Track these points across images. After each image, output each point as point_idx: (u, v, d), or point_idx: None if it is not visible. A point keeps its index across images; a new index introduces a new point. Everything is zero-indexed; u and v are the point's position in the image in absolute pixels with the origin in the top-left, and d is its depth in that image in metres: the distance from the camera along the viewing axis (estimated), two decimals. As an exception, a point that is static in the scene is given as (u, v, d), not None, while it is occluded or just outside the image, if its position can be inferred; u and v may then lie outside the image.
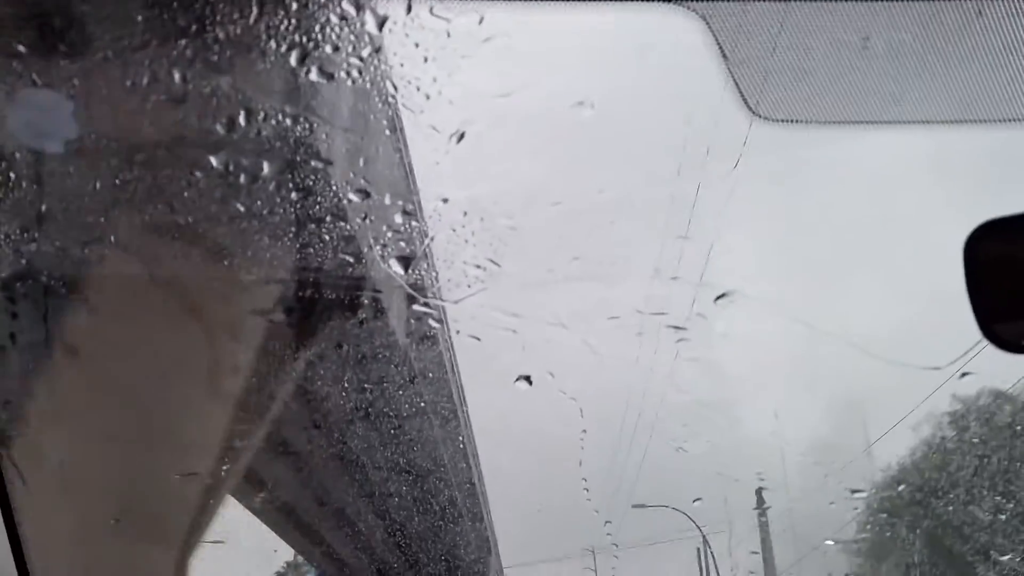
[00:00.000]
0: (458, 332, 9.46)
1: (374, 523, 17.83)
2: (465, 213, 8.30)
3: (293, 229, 9.03)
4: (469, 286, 8.19)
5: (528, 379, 7.74)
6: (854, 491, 15.75)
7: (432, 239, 8.58)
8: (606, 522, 32.52)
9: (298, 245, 9.09)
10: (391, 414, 11.99)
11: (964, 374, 12.63)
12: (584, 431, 8.97)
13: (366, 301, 8.58)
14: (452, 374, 13.78)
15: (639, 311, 7.53)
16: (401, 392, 11.33)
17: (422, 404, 12.10)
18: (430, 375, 11.72)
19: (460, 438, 16.86)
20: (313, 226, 8.83)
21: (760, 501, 23.05)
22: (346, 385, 10.43)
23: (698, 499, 19.90)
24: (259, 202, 8.68)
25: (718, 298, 7.53)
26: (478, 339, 8.57)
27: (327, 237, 8.45)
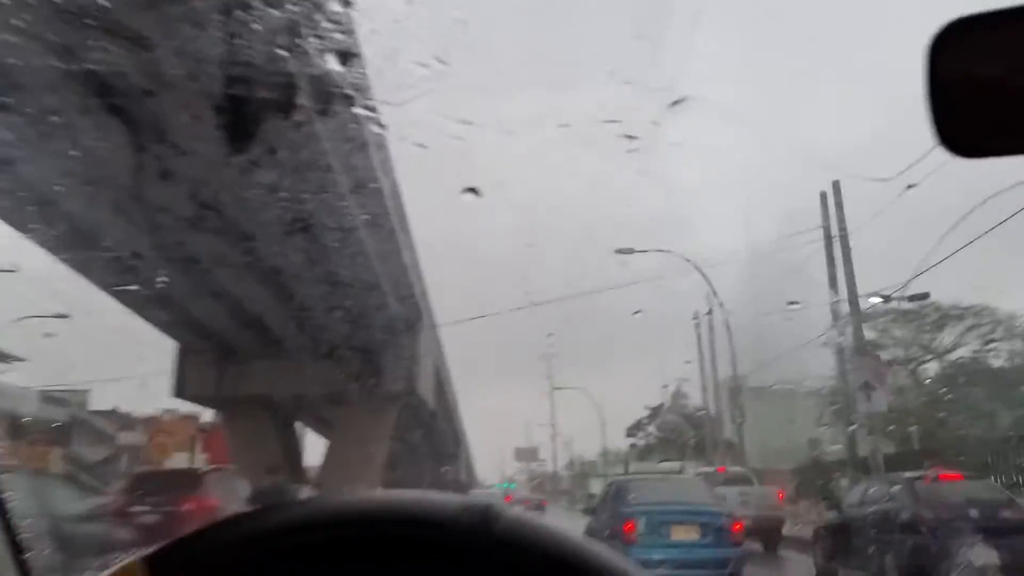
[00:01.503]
0: (402, 138, 9.90)
1: (310, 337, 20.68)
2: (410, 2, 8.46)
3: (218, 16, 9.15)
4: (413, 87, 8.50)
5: (475, 190, 8.31)
6: (790, 303, 18.66)
7: (372, 32, 8.82)
8: (549, 334, 36.56)
9: (224, 34, 9.25)
10: (331, 225, 12.58)
11: (910, 186, 13.79)
12: (531, 244, 9.48)
13: (301, 101, 8.69)
14: (394, 183, 14.45)
15: (591, 118, 7.99)
16: (342, 202, 11.75)
17: (364, 216, 12.84)
18: (371, 184, 12.16)
19: (403, 251, 18.27)
20: (240, 11, 8.96)
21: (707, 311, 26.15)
22: (283, 194, 11.06)
23: (638, 311, 23.57)
24: None
25: (673, 104, 8.05)
26: (423, 146, 8.98)
27: (255, 27, 8.30)
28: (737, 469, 19.73)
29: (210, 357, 23.50)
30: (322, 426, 30.78)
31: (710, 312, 23.99)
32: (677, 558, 11.53)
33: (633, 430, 44.65)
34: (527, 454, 56.79)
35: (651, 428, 44.81)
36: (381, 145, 11.01)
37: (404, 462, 38.61)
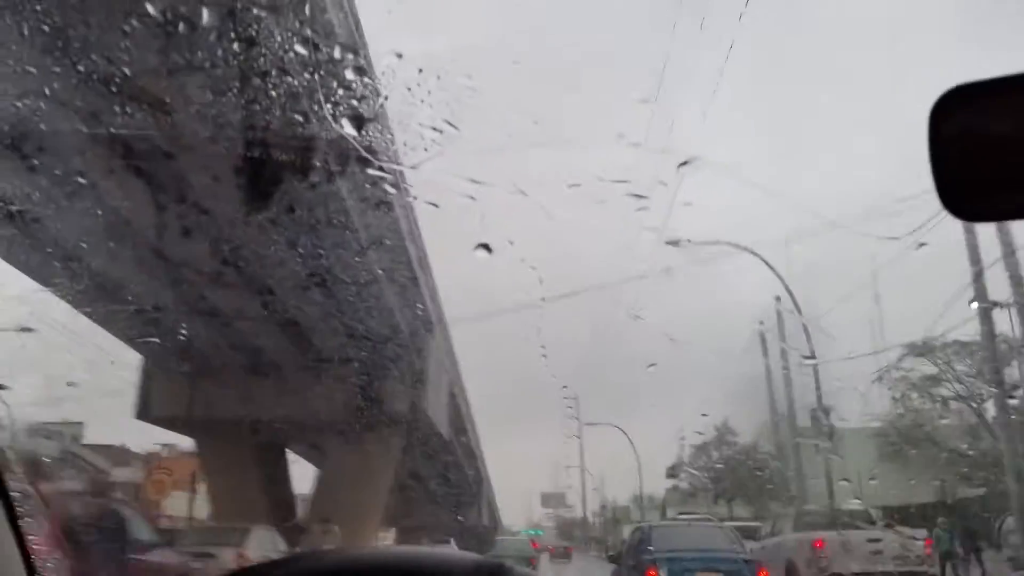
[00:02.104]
0: (415, 198, 10.74)
1: (299, 350, 19.30)
2: (421, 70, 9.20)
3: (237, 83, 10.14)
4: (426, 150, 9.16)
5: (487, 247, 8.98)
6: (806, 357, 19.34)
7: (386, 98, 9.67)
8: (563, 387, 35.47)
9: (243, 101, 9.96)
10: (347, 280, 12.98)
11: (921, 244, 13.91)
12: (543, 299, 9.98)
13: (318, 164, 9.54)
14: (410, 241, 15.11)
15: (600, 178, 8.67)
16: (358, 259, 12.62)
17: (379, 271, 13.85)
18: (387, 242, 13.18)
19: (419, 305, 18.90)
20: (258, 80, 9.01)
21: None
22: (300, 251, 11.78)
23: (652, 364, 23.78)
24: (200, 54, 9.73)
25: (681, 165, 8.76)
26: (436, 206, 9.73)
27: (273, 94, 9.07)
28: (856, 506, 16.81)
29: (181, 372, 20.81)
30: (318, 457, 27.73)
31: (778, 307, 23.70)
32: (702, 606, 12.29)
33: (673, 470, 42.47)
34: (554, 499, 57.03)
35: (693, 469, 44.13)
36: (396, 204, 11.91)
37: (418, 503, 37.07)
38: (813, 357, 19.65)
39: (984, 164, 1.03)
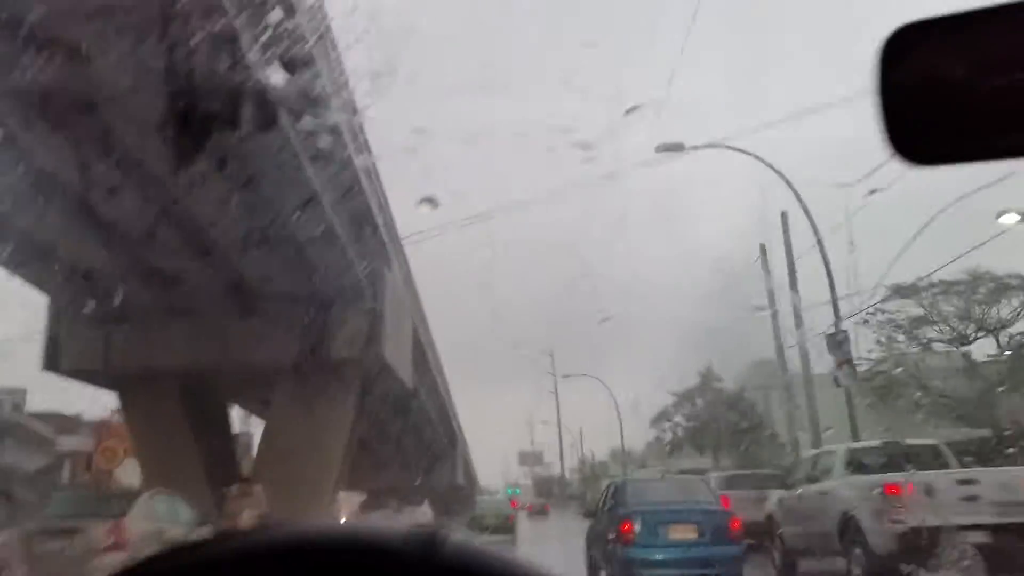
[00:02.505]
0: (353, 148, 10.71)
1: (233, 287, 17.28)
2: (355, 7, 9.10)
3: (158, 28, 9.58)
4: (363, 96, 9.28)
5: (432, 200, 9.00)
6: (758, 307, 19.66)
7: (319, 37, 9.47)
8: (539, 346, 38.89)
9: (165, 47, 8.93)
10: (286, 238, 13.21)
11: (873, 191, 13.94)
12: (492, 253, 9.86)
13: (248, 113, 9.31)
14: (358, 193, 14.60)
15: (546, 126, 8.53)
16: (298, 215, 12.47)
17: (322, 227, 13.60)
18: (327, 195, 12.92)
19: (364, 262, 17.61)
20: (179, 24, 8.76)
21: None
22: (233, 208, 11.35)
23: (607, 318, 26.16)
24: None
25: (628, 111, 8.69)
26: (374, 155, 9.71)
27: (196, 38, 8.88)
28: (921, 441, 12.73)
29: (96, 315, 18.04)
30: (264, 410, 24.48)
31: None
32: (675, 558, 12.73)
33: (658, 421, 42.47)
34: (532, 458, 58.84)
35: (678, 418, 42.22)
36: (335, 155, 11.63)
37: (386, 462, 36.42)
38: (830, 277, 18.24)
39: (934, 106, 1.05)
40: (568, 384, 47.81)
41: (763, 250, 22.41)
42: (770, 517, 13.53)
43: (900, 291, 24.67)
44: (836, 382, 19.20)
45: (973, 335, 25.72)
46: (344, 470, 22.37)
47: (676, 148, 17.32)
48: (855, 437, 17.44)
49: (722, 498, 15.35)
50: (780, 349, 24.23)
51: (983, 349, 25.62)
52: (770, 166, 18.03)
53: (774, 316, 23.76)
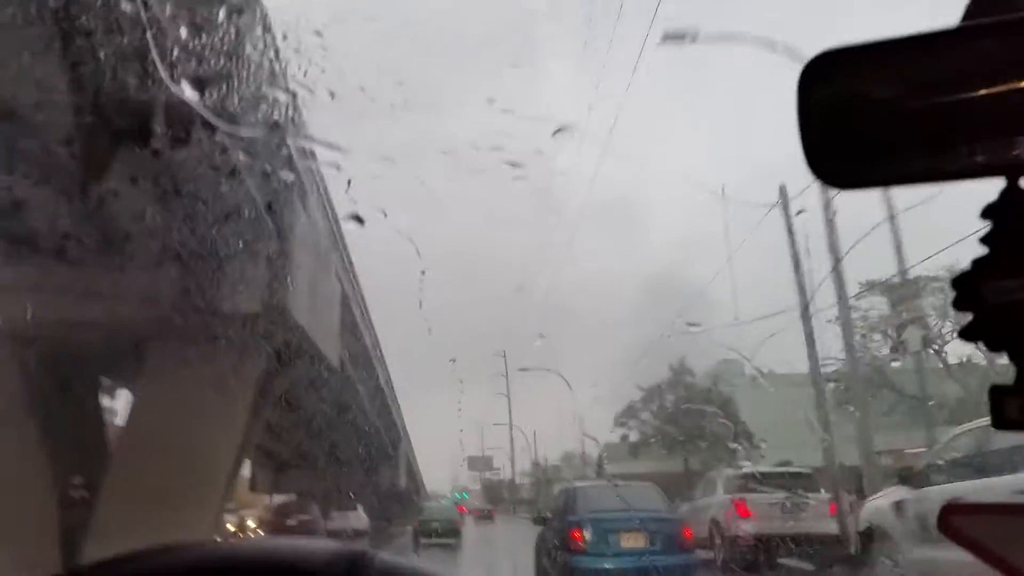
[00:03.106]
0: (270, 168, 11.00)
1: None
2: (269, 24, 9.33)
3: (59, 43, 9.07)
4: (278, 113, 9.55)
5: (358, 218, 9.28)
6: (691, 324, 20.67)
7: (230, 58, 9.86)
8: (450, 359, 39.55)
9: (70, 63, 9.40)
10: (204, 254, 12.85)
11: (799, 211, 16.11)
12: (423, 272, 10.32)
13: (157, 129, 9.73)
14: (273, 211, 13.61)
15: (474, 145, 8.96)
16: (214, 230, 12.50)
17: (240, 245, 13.47)
18: (245, 213, 12.85)
19: (288, 279, 15.53)
20: (82, 40, 9.12)
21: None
22: (147, 223, 11.54)
23: (542, 335, 27.23)
24: (10, 10, 9.51)
25: (556, 132, 9.18)
26: (295, 173, 9.98)
27: (101, 54, 9.30)
28: None
29: None
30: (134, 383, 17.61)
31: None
32: (625, 567, 13.37)
33: (623, 417, 42.98)
34: (480, 463, 59.95)
35: (646, 415, 42.70)
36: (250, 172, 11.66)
37: (313, 460, 34.51)
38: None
39: (853, 130, 1.09)
40: (526, 385, 48.47)
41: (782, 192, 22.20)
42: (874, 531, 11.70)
43: (874, 287, 25.18)
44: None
45: (951, 335, 26.74)
46: (248, 468, 20.21)
47: (678, 37, 16.92)
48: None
49: (737, 504, 16.89)
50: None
51: (960, 351, 26.63)
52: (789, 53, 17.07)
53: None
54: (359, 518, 32.94)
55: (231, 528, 26.42)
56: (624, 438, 43.74)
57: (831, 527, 16.41)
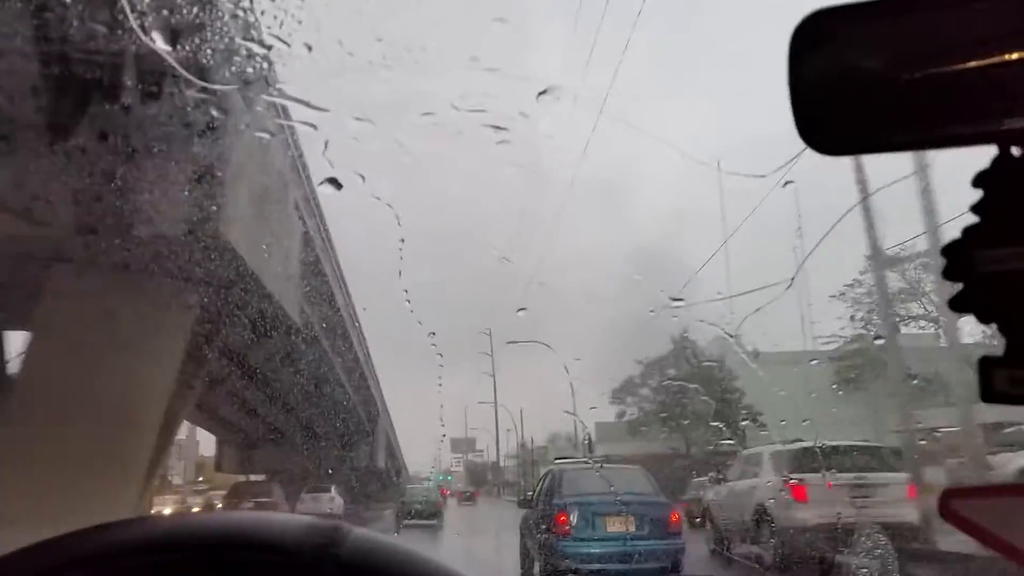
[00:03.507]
0: (246, 126, 10.91)
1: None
2: None
3: None
4: (253, 69, 9.47)
5: (335, 182, 9.14)
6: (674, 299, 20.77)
7: (204, 8, 9.23)
8: (429, 333, 40.82)
9: (33, 7, 9.21)
10: (177, 218, 12.57)
11: (787, 182, 15.32)
12: (402, 240, 10.24)
13: (129, 83, 9.67)
14: (247, 171, 13.33)
15: (455, 107, 8.87)
16: (187, 193, 12.33)
17: (213, 208, 12.96)
18: (218, 174, 12.60)
19: (264, 246, 15.26)
20: None
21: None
22: (119, 183, 11.30)
23: (523, 308, 27.00)
24: None
25: (540, 94, 9.11)
26: (270, 134, 9.90)
27: (68, 1, 9.04)
28: None
29: None
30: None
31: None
32: (612, 551, 13.52)
33: (621, 394, 42.16)
34: (464, 445, 60.81)
35: (645, 390, 41.78)
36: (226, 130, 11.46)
37: (283, 437, 34.14)
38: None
39: (845, 96, 1.09)
40: (512, 361, 48.68)
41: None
42: None
43: (881, 261, 25.26)
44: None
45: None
46: (213, 446, 18.56)
47: None
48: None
49: (792, 487, 15.15)
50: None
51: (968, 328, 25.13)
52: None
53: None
54: (333, 500, 31.33)
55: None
56: (621, 415, 43.09)
57: (911, 514, 14.58)
